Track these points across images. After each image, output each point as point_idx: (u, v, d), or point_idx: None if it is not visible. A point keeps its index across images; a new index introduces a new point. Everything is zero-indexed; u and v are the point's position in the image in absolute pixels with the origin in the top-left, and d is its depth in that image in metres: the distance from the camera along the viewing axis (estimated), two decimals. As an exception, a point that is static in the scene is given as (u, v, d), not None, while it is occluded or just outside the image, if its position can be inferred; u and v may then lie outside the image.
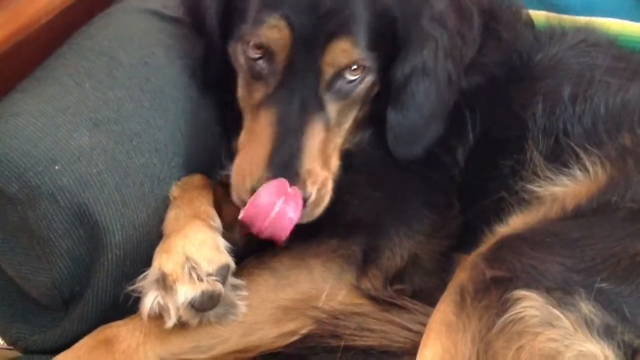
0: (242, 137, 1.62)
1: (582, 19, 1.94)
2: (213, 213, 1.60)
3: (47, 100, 1.54)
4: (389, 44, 1.61)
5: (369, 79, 1.61)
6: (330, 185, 1.57)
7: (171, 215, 1.58)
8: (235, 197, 1.57)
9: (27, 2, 1.78)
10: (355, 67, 1.57)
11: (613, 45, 1.83)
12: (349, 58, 1.56)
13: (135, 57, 1.71)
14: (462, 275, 1.32)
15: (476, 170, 1.66)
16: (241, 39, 1.58)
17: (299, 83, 1.54)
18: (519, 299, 1.22)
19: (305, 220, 1.53)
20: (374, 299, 1.53)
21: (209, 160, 1.78)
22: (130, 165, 1.56)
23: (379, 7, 1.57)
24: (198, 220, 1.53)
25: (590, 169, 1.50)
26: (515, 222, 1.49)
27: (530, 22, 1.86)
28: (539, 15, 1.94)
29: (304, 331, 1.49)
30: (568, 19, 1.94)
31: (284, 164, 1.50)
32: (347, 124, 1.64)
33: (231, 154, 1.84)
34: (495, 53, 1.74)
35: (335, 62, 1.55)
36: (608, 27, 1.92)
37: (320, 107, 1.56)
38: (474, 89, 1.71)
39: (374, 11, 1.56)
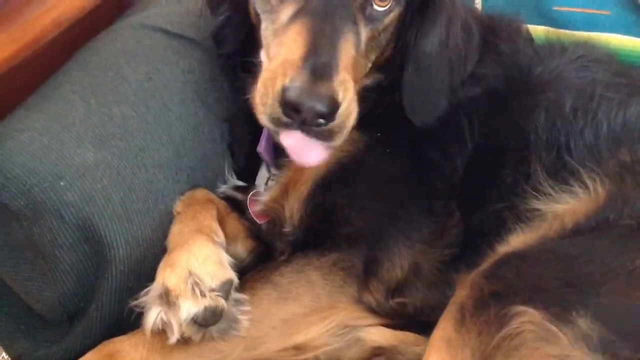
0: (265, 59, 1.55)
1: (582, 34, 1.94)
2: (216, 228, 1.61)
3: (53, 117, 1.55)
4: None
5: (396, 12, 1.60)
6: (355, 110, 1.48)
7: (175, 230, 1.59)
8: (259, 105, 1.44)
9: (33, 19, 1.79)
10: None
11: (613, 61, 1.83)
12: None
13: (141, 73, 1.72)
14: (462, 292, 1.33)
15: (476, 179, 1.66)
16: None
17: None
18: (516, 314, 1.23)
19: (333, 139, 1.44)
20: (376, 312, 1.54)
21: (213, 175, 1.80)
22: (134, 180, 1.57)
23: None
24: (202, 235, 1.54)
25: (590, 186, 1.50)
26: (516, 241, 1.50)
27: (530, 38, 1.87)
28: (538, 30, 1.95)
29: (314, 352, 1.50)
30: (568, 34, 1.95)
31: (321, 65, 1.41)
32: (369, 63, 1.62)
33: (235, 169, 1.87)
34: (493, 66, 1.75)
35: None
36: (608, 42, 1.93)
37: (354, 25, 1.52)
38: (473, 98, 1.72)
39: None
